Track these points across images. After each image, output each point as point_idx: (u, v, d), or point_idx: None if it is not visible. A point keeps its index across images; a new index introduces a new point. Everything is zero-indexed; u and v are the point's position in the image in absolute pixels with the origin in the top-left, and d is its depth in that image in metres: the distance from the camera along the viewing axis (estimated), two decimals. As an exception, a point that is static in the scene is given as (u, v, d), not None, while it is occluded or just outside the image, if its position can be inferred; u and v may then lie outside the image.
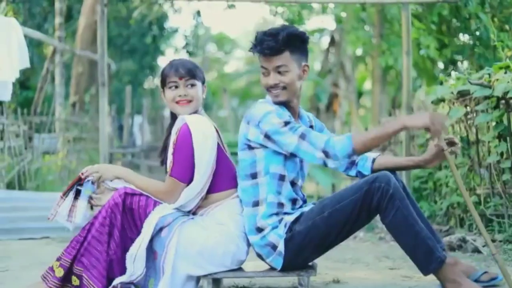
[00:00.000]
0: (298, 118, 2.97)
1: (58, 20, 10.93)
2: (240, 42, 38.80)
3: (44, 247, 4.80)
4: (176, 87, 2.91)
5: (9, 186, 6.97)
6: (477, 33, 7.72)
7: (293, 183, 2.87)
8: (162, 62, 20.50)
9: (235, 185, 2.91)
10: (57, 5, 11.02)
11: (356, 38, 10.94)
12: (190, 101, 2.91)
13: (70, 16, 15.33)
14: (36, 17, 15.29)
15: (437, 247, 2.67)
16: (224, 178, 2.89)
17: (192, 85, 2.91)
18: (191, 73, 2.91)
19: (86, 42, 12.15)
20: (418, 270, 3.29)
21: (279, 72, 2.82)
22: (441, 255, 2.66)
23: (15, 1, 10.99)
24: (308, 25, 14.22)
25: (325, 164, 2.72)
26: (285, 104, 2.86)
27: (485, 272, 2.87)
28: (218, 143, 2.88)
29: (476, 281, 2.82)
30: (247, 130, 2.81)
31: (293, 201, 2.86)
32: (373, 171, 2.94)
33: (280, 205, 2.82)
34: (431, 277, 2.94)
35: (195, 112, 2.94)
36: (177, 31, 20.63)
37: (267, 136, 2.74)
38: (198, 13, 17.62)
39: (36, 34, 6.63)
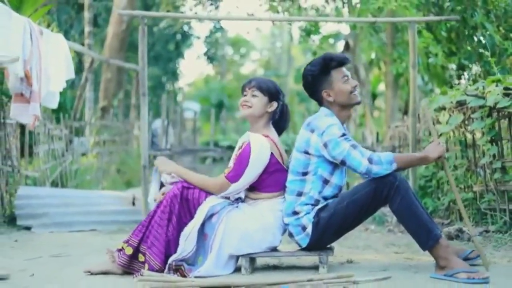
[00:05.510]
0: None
1: (87, 28, 11.54)
2: (256, 44, 39.21)
3: (94, 237, 5.26)
4: (245, 95, 3.60)
5: (52, 184, 7.58)
6: (483, 41, 8.09)
7: (340, 188, 3.51)
8: (183, 66, 21.11)
9: (283, 190, 3.52)
10: (86, 14, 11.64)
11: (369, 44, 11.27)
12: (250, 107, 3.57)
13: (96, 25, 15.93)
14: (62, 25, 15.92)
15: (434, 228, 3.26)
16: (275, 183, 3.52)
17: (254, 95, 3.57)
18: (258, 86, 3.57)
19: (114, 50, 12.73)
20: (419, 254, 3.94)
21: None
22: (437, 234, 3.25)
23: (49, 12, 11.67)
24: (323, 29, 14.54)
25: (368, 172, 3.31)
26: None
27: (473, 251, 3.49)
28: (276, 158, 3.49)
29: (466, 258, 3.42)
30: (309, 137, 3.42)
31: (328, 199, 3.48)
32: None
33: (317, 201, 3.45)
34: (428, 258, 3.54)
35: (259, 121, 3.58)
36: (199, 37, 21.23)
37: (325, 145, 3.35)
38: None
39: (78, 47, 7.29)
